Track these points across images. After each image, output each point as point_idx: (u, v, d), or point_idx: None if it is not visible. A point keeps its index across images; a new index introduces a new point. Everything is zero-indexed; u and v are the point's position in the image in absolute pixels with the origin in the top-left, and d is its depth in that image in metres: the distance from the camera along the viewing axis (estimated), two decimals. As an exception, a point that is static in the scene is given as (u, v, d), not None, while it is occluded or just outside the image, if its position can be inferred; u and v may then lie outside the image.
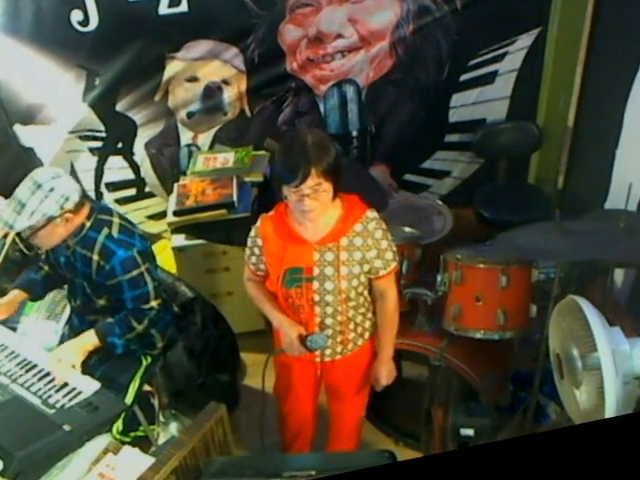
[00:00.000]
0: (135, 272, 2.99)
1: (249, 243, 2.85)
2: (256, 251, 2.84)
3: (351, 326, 2.86)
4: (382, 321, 2.94)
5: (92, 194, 4.85)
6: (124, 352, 3.11)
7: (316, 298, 2.74)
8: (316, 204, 2.53)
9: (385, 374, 2.99)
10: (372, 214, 2.73)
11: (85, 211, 2.96)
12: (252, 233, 2.83)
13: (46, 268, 3.31)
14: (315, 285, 2.72)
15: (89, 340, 3.03)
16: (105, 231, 2.98)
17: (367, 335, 2.96)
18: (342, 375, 3.05)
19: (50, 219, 2.82)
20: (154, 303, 3.09)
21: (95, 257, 2.96)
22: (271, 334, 3.09)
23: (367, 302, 2.90)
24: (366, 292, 2.87)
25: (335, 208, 2.69)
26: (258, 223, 2.82)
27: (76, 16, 4.18)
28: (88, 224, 2.97)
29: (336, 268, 2.68)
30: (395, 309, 2.91)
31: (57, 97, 4.52)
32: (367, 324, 2.94)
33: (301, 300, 2.76)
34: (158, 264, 3.36)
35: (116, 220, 3.05)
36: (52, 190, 2.79)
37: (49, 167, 3.31)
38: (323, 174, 2.47)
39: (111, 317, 3.08)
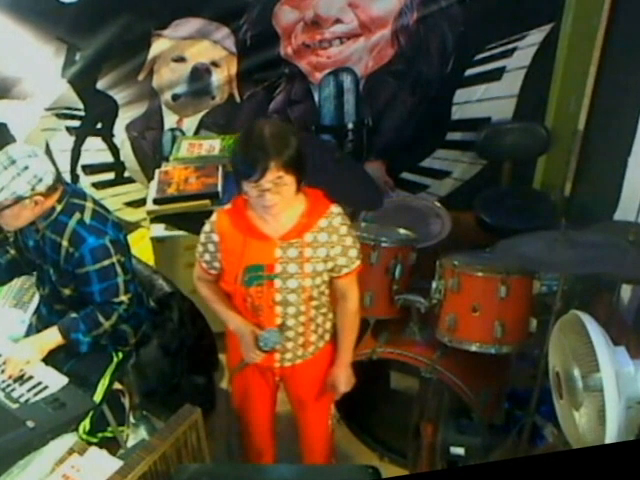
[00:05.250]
0: (105, 262, 2.98)
1: (202, 239, 2.81)
2: (210, 247, 2.80)
3: (312, 327, 2.86)
4: (342, 324, 2.94)
5: (67, 176, 4.82)
6: (89, 350, 3.10)
7: (278, 298, 2.73)
8: (278, 198, 2.53)
9: (344, 380, 2.99)
10: (337, 209, 2.74)
11: (57, 194, 2.95)
12: (206, 228, 2.79)
13: (12, 252, 3.30)
14: (277, 283, 2.70)
15: (51, 338, 3.03)
16: (77, 216, 2.98)
17: (327, 337, 2.97)
18: (304, 381, 3.05)
19: (18, 199, 2.81)
20: (124, 297, 3.08)
21: (64, 243, 2.96)
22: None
23: (328, 302, 2.90)
24: (327, 291, 2.86)
25: (299, 202, 2.69)
26: (213, 218, 2.78)
27: (58, -15, 4.17)
28: (59, 207, 2.97)
29: (300, 265, 2.68)
30: (356, 311, 2.91)
31: (34, 71, 4.49)
32: (328, 325, 2.94)
33: (261, 300, 2.74)
34: (135, 255, 3.35)
35: (89, 205, 3.05)
36: (26, 168, 2.78)
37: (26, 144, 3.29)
38: (284, 167, 2.46)
39: (77, 310, 3.06)
